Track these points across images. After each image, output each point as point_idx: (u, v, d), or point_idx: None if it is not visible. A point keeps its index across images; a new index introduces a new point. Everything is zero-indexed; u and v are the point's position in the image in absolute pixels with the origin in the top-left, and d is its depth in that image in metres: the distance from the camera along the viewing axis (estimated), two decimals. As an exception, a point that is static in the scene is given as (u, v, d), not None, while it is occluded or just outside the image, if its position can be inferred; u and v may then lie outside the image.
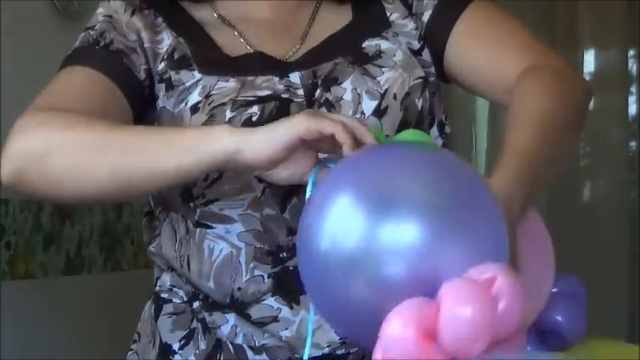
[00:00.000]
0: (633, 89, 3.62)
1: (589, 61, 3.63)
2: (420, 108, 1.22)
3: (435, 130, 1.24)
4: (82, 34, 1.28)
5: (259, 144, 1.01)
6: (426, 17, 1.29)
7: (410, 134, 1.08)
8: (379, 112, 1.20)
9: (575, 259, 3.60)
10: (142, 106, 1.23)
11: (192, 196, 1.20)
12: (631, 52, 3.61)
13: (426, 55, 1.28)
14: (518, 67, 1.21)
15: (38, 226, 2.34)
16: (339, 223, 0.90)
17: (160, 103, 1.24)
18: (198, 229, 1.20)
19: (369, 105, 1.20)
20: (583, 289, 1.21)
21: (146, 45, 1.25)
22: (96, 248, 2.59)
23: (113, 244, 2.65)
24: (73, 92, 1.20)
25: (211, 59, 1.24)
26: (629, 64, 3.61)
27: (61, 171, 1.10)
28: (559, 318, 1.17)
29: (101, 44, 1.24)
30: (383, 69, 1.23)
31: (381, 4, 1.30)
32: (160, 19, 1.27)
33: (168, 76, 1.24)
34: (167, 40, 1.26)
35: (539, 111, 1.14)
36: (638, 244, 3.53)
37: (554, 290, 1.18)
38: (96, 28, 1.26)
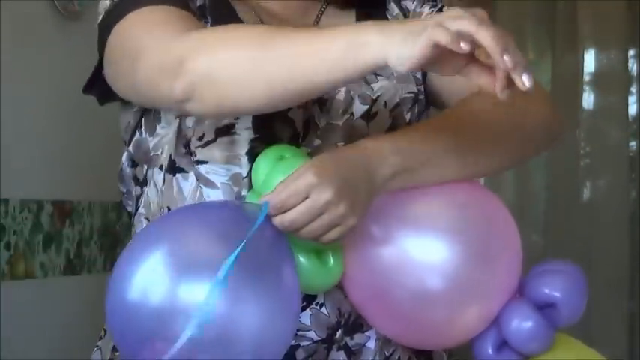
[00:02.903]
0: (633, 89, 3.61)
1: (589, 61, 3.62)
2: (407, 121, 1.25)
3: None
4: None
5: (402, 59, 0.97)
6: None
7: (283, 150, 1.14)
8: (368, 117, 1.23)
9: (575, 259, 3.60)
10: None
11: (191, 150, 1.22)
12: (631, 52, 3.61)
13: (419, 72, 1.30)
14: None
15: (38, 226, 2.34)
16: (148, 277, 1.01)
17: None
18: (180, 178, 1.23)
19: (359, 108, 1.23)
20: (582, 274, 1.20)
21: None
22: (96, 248, 2.59)
23: (113, 244, 2.65)
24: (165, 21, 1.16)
25: (225, 15, 1.24)
26: (629, 64, 3.60)
27: (225, 87, 1.09)
28: (557, 294, 1.15)
29: None
30: (378, 77, 1.25)
31: (385, 16, 1.32)
32: None
33: None
34: None
35: (466, 107, 1.19)
36: (638, 244, 3.52)
37: (551, 267, 1.19)
38: None
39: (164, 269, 1.02)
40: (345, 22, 1.31)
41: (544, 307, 1.15)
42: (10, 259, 2.24)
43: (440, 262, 1.12)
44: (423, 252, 1.12)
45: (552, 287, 1.15)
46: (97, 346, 1.32)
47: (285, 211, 1.06)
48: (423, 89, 1.30)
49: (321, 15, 1.32)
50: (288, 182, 1.06)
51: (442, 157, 1.15)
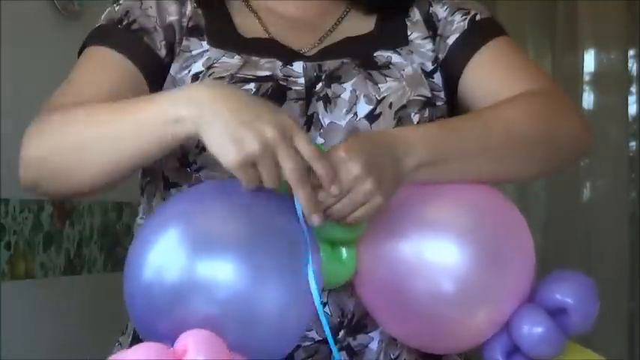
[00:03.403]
0: (633, 89, 3.62)
1: (589, 61, 3.63)
2: (415, 123, 1.23)
3: None
4: (109, 9, 1.30)
5: (212, 148, 1.04)
6: (451, 40, 1.30)
7: None
8: (372, 117, 1.22)
9: (575, 259, 3.61)
10: (162, 82, 1.26)
11: (189, 161, 1.22)
12: (631, 52, 3.61)
13: (437, 78, 1.29)
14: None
15: (38, 226, 2.34)
16: (163, 256, 1.00)
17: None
18: None
19: (363, 108, 1.23)
20: (593, 286, 1.18)
21: (173, 18, 1.28)
22: (96, 248, 2.59)
23: (113, 244, 2.65)
24: (88, 82, 1.23)
25: (223, 34, 1.28)
26: (629, 64, 3.60)
27: (62, 172, 1.16)
28: (569, 300, 1.14)
29: (124, 23, 1.27)
30: (387, 78, 1.25)
31: (404, 22, 1.32)
32: None
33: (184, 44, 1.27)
34: (188, 10, 1.29)
35: (496, 110, 1.20)
36: (638, 244, 3.53)
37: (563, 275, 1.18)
38: (121, 2, 1.29)
39: (180, 245, 1.01)
40: (364, 26, 1.32)
41: (556, 313, 1.14)
42: (10, 259, 2.24)
43: (453, 263, 1.11)
44: (437, 253, 1.12)
45: (564, 293, 1.14)
46: (118, 341, 1.31)
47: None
48: (443, 95, 1.29)
49: (342, 18, 1.33)
50: (323, 155, 1.06)
51: (468, 156, 1.15)
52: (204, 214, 1.04)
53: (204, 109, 1.03)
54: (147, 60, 1.25)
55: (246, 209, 1.04)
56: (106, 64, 1.24)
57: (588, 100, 3.61)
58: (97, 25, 1.30)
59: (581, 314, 1.14)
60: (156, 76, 1.25)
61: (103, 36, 1.27)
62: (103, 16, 1.30)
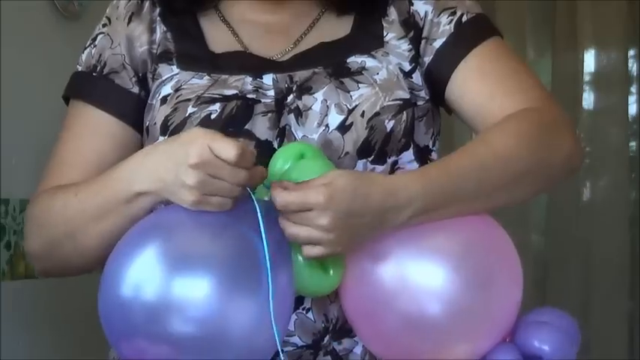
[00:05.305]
0: (633, 89, 3.62)
1: (589, 61, 3.62)
2: (389, 130, 1.21)
3: (409, 155, 1.24)
4: (87, 49, 1.32)
5: (176, 202, 1.08)
6: (437, 44, 1.28)
7: (296, 147, 1.15)
8: (343, 128, 1.20)
9: (575, 259, 3.61)
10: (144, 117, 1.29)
11: None
12: (631, 52, 3.61)
13: (417, 78, 1.27)
14: (513, 110, 1.22)
15: (38, 226, 2.34)
16: (140, 273, 1.01)
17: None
18: None
19: (335, 119, 1.21)
20: (575, 327, 1.17)
21: (143, 49, 1.29)
22: (96, 248, 2.59)
23: (113, 244, 2.64)
24: (76, 152, 1.29)
25: (192, 55, 1.28)
26: (629, 64, 3.60)
27: (65, 260, 1.24)
28: (545, 347, 1.13)
29: (97, 69, 1.30)
30: (360, 84, 1.23)
31: (381, 23, 1.30)
32: (156, 12, 1.31)
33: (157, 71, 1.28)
34: (157, 37, 1.29)
35: (490, 146, 1.17)
36: (638, 244, 3.52)
37: (543, 320, 1.16)
38: (96, 43, 1.31)
39: (156, 264, 1.01)
40: (340, 29, 1.30)
41: (532, 358, 1.13)
42: (10, 259, 2.24)
43: (436, 287, 1.10)
44: (421, 275, 1.11)
45: (542, 340, 1.13)
46: None
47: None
48: (424, 94, 1.27)
49: (318, 20, 1.31)
50: (307, 185, 1.06)
51: (463, 200, 1.14)
52: (182, 231, 1.05)
53: (149, 177, 1.10)
54: (123, 104, 1.28)
55: (222, 227, 1.06)
56: (88, 126, 1.29)
57: (588, 100, 3.61)
58: (76, 71, 1.32)
59: None
60: (138, 113, 1.28)
61: (82, 88, 1.31)
62: (82, 58, 1.32)
